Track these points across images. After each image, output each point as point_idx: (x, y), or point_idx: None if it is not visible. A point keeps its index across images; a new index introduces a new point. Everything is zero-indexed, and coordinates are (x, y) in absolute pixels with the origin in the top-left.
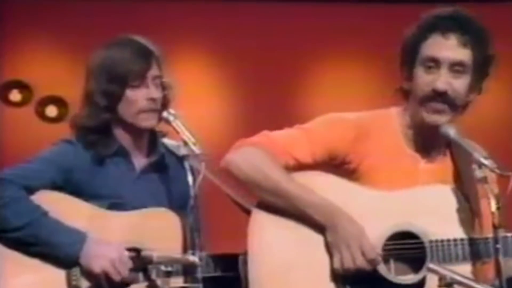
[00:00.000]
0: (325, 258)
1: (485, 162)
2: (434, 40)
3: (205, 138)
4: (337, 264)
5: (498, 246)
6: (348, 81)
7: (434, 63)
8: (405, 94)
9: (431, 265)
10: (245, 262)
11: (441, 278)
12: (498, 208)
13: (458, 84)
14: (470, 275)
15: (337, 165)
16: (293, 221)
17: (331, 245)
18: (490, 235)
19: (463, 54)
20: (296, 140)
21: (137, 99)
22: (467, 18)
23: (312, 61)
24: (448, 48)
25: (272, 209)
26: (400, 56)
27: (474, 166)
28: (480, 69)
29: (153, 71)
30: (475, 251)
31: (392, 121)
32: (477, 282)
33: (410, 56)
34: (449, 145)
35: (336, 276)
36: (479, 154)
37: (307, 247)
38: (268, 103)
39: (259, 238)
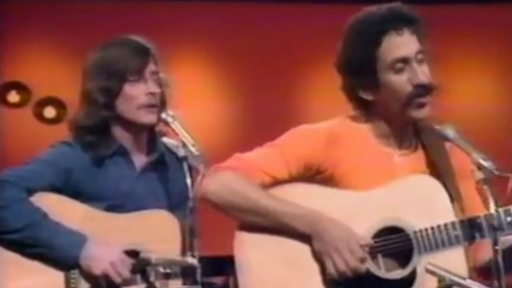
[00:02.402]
0: (316, 267)
1: (484, 163)
2: (390, 41)
3: (204, 139)
4: (331, 270)
5: (497, 247)
6: None
7: (403, 63)
8: (364, 103)
9: (430, 267)
10: (236, 286)
11: (440, 279)
12: (496, 211)
13: (427, 70)
14: (459, 259)
15: (313, 176)
16: (278, 236)
17: (320, 252)
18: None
19: (416, 41)
20: (269, 157)
21: (137, 94)
22: (404, 7)
23: (311, 62)
24: (406, 42)
25: (255, 229)
26: (348, 72)
27: (473, 168)
28: (426, 47)
29: (151, 67)
30: (460, 234)
31: (360, 124)
32: (475, 283)
33: (366, 67)
34: (419, 135)
35: (328, 282)
36: (478, 155)
37: (296, 260)
38: (267, 104)
39: (247, 260)
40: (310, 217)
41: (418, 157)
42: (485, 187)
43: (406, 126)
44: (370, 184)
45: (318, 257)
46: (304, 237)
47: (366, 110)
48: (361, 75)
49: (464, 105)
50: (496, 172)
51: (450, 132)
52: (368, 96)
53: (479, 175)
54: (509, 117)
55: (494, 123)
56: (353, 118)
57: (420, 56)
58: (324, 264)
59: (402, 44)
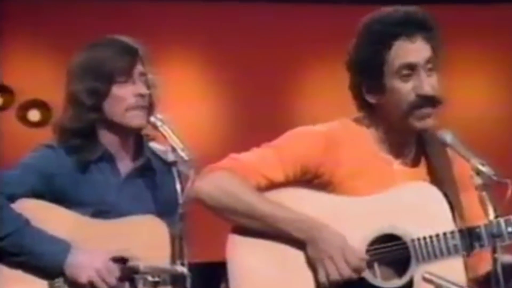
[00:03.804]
0: (309, 274)
1: (483, 169)
2: (401, 46)
3: (194, 143)
4: (322, 278)
5: (497, 255)
6: (343, 83)
7: (410, 70)
8: (368, 106)
9: (427, 275)
10: None
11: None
12: (496, 217)
13: (435, 81)
14: (457, 269)
15: (311, 180)
16: (271, 241)
17: (313, 259)
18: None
19: (429, 50)
20: (265, 159)
21: (125, 95)
22: (421, 13)
23: (305, 63)
24: (417, 49)
25: (249, 232)
26: (355, 72)
27: (472, 173)
28: (439, 57)
29: (139, 68)
30: (459, 243)
31: (361, 128)
32: None
33: (373, 69)
34: (422, 144)
35: None
36: (477, 161)
37: (289, 265)
38: (261, 106)
39: (239, 264)
40: (305, 223)
41: (419, 166)
42: (483, 193)
43: (408, 134)
44: (369, 190)
45: (311, 263)
46: (299, 243)
47: (369, 113)
48: (367, 76)
49: (464, 107)
50: (495, 178)
51: (448, 137)
52: (371, 99)
53: (478, 180)
54: (509, 118)
55: (494, 126)
56: (356, 121)
57: (430, 66)
58: (317, 271)
59: (412, 50)
